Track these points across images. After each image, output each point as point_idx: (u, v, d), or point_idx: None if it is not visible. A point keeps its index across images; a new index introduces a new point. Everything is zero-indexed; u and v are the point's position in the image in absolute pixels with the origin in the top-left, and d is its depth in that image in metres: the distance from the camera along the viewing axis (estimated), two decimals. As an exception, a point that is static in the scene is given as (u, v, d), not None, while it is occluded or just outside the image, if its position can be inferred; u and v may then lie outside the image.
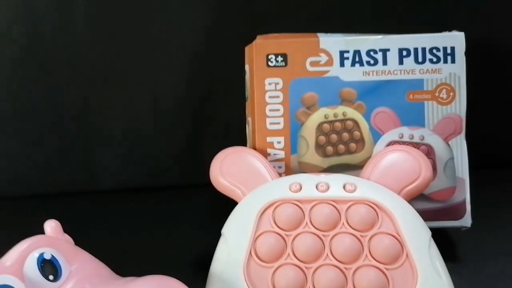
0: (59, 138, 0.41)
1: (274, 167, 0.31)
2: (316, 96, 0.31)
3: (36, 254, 0.21)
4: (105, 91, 0.40)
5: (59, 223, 0.25)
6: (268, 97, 0.31)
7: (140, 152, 0.41)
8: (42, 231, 0.24)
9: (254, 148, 0.32)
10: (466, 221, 0.31)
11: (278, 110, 0.31)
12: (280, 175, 0.31)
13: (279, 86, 0.31)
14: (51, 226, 0.24)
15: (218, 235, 0.27)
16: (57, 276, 0.22)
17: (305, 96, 0.31)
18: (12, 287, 0.20)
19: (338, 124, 0.31)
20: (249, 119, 0.33)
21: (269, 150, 0.31)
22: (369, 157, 0.31)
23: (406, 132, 0.31)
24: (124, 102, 0.41)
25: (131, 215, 0.37)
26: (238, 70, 0.36)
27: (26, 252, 0.21)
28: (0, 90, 0.40)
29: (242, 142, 0.34)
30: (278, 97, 0.31)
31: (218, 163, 0.30)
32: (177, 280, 0.21)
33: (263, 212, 0.27)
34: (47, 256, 0.22)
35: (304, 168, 0.31)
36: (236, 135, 0.35)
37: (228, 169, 0.30)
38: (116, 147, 0.41)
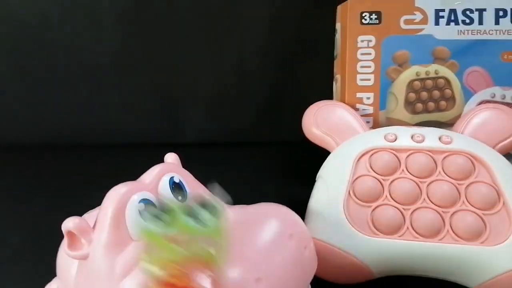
0: (153, 93, 0.43)
1: (365, 122, 0.32)
2: (409, 53, 0.32)
3: (167, 177, 0.24)
4: (193, 49, 0.42)
5: (177, 156, 0.27)
6: (360, 54, 0.32)
7: (224, 108, 0.44)
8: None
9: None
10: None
11: (369, 66, 0.32)
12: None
13: (372, 44, 0.32)
14: (172, 157, 0.27)
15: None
16: (184, 198, 0.25)
17: (397, 54, 0.32)
18: (151, 201, 0.23)
19: (429, 82, 0.32)
20: (337, 76, 0.34)
21: (358, 105, 0.33)
22: (459, 116, 0.31)
23: (498, 92, 0.31)
24: (211, 60, 0.43)
25: (214, 166, 0.39)
26: (324, 30, 0.37)
27: (160, 175, 0.24)
28: (103, 47, 0.43)
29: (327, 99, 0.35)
30: (370, 54, 0.32)
31: (311, 114, 0.32)
32: (291, 211, 0.23)
33: (359, 158, 0.28)
34: (176, 180, 0.24)
35: (392, 124, 0.32)
36: (320, 94, 0.36)
37: (321, 119, 0.32)
38: (202, 102, 0.43)
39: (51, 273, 0.26)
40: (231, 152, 0.42)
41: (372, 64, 0.32)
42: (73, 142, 0.46)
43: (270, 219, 0.22)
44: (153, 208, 0.22)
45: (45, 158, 0.45)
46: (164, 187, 0.24)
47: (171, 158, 0.26)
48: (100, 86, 0.44)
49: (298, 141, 0.40)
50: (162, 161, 0.25)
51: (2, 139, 0.46)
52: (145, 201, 0.22)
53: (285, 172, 0.40)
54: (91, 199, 0.25)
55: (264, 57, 0.41)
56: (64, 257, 0.25)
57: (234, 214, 0.24)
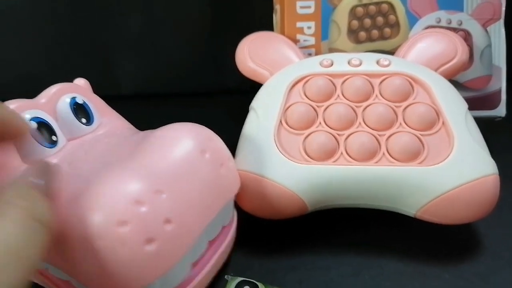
0: (82, 42, 0.40)
1: (304, 53, 0.30)
2: (350, -23, 0.30)
3: (68, 97, 0.21)
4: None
5: (88, 82, 0.24)
6: (299, -21, 0.30)
7: (160, 57, 0.41)
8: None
9: (283, 35, 0.31)
10: (501, 111, 0.30)
11: (309, -7, 0.30)
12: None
13: (311, -32, 0.30)
14: (81, 82, 0.24)
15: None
16: (89, 121, 0.22)
17: (339, -22, 0.30)
18: (44, 120, 0.20)
19: (372, 8, 0.30)
20: (277, 6, 0.32)
21: (298, 36, 0.30)
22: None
23: (443, 16, 0.29)
24: (144, 5, 0.40)
25: (152, 120, 0.37)
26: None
27: (59, 94, 0.21)
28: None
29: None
30: (309, -21, 0.30)
31: (245, 46, 0.30)
32: (205, 127, 0.21)
33: (293, 86, 0.26)
34: (79, 101, 0.22)
35: (334, 54, 0.30)
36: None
37: (255, 52, 0.29)
38: (136, 52, 0.40)
39: None
40: (172, 103, 0.39)
41: (312, -11, 0.30)
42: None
43: (179, 135, 0.19)
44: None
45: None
46: (64, 107, 0.21)
47: (80, 82, 0.24)
48: (16, 34, 0.40)
49: (246, 89, 0.38)
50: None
51: None
52: (37, 119, 0.20)
53: (235, 122, 0.38)
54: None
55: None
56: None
57: (141, 133, 0.21)
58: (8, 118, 0.18)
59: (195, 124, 0.21)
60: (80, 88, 0.22)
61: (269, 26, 0.34)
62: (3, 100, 0.40)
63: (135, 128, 0.24)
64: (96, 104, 0.23)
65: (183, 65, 0.40)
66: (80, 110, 0.21)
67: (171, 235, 0.17)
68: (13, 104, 0.19)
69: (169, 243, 0.17)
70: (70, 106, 0.21)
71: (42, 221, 0.14)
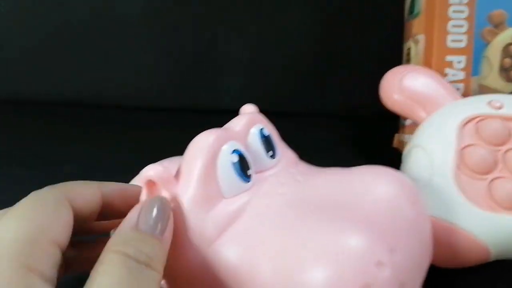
0: (194, 56, 0.39)
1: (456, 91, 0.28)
2: (506, 14, 0.28)
3: (257, 128, 0.19)
4: (235, 19, 0.38)
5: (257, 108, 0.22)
6: (452, 11, 0.28)
7: (265, 77, 0.39)
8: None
9: (429, 68, 0.29)
10: None
11: (461, 26, 0.28)
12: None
13: (465, 0, 0.29)
14: (252, 109, 0.22)
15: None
16: (274, 154, 0.20)
17: (494, 13, 0.28)
18: (243, 153, 0.18)
19: (528, 47, 0.28)
20: (418, 37, 0.30)
21: (447, 70, 0.29)
22: (559, 86, 0.28)
23: None
24: (253, 30, 0.39)
25: None
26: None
27: (250, 124, 0.19)
28: (140, 13, 0.39)
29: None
30: (463, 12, 0.28)
31: (395, 79, 0.28)
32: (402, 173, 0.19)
33: (464, 126, 0.24)
34: (266, 132, 0.20)
35: (484, 92, 0.28)
36: (380, 61, 0.31)
37: (406, 86, 0.27)
38: (243, 71, 0.39)
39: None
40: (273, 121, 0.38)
41: (465, 23, 0.28)
42: (108, 104, 0.41)
43: (390, 184, 0.17)
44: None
45: (75, 116, 0.41)
46: (255, 139, 0.19)
47: (250, 109, 0.22)
48: (131, 43, 0.39)
49: (349, 114, 0.36)
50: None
51: (16, 94, 0.42)
52: (238, 151, 0.18)
53: (337, 146, 0.35)
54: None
55: (313, 19, 0.37)
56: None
57: (327, 171, 0.19)
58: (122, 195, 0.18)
59: (392, 169, 0.18)
60: (262, 118, 0.20)
61: (384, 55, 0.32)
62: (118, 112, 0.39)
63: (303, 161, 0.22)
64: (274, 135, 0.21)
65: (287, 85, 0.39)
66: (266, 143, 0.20)
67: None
68: (212, 135, 0.17)
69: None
70: (260, 138, 0.19)
71: (148, 262, 0.14)
